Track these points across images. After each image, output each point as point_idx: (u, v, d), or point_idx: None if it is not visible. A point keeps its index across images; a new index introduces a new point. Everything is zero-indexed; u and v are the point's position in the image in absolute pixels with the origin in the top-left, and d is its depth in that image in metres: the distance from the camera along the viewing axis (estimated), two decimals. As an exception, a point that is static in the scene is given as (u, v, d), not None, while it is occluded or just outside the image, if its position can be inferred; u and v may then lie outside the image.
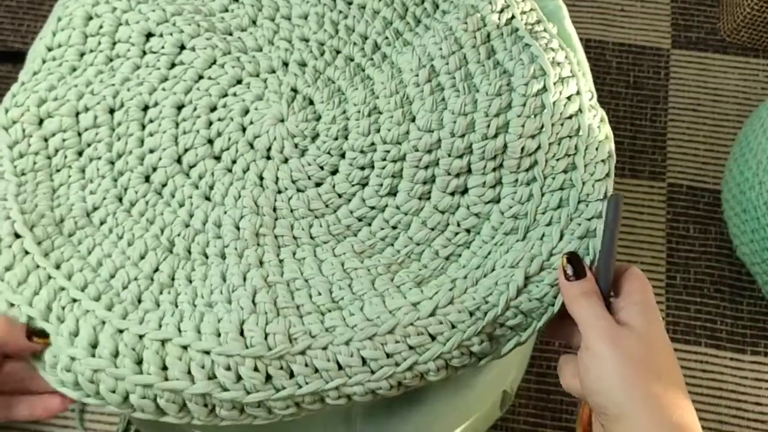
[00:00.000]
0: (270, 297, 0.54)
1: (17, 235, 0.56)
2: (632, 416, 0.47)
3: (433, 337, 0.53)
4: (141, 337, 0.52)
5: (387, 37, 0.65)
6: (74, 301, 0.54)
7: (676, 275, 1.20)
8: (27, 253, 0.55)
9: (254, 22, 0.66)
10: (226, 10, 0.67)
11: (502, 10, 0.61)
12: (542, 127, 0.57)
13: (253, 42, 0.65)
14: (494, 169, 0.58)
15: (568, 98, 0.58)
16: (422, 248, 0.59)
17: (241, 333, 0.52)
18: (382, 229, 0.59)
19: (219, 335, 0.52)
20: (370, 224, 0.60)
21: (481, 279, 0.55)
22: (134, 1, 0.65)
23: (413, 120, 0.59)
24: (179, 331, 0.52)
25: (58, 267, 0.55)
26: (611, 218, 0.54)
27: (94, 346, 0.52)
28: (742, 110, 1.31)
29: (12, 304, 0.53)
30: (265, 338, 0.52)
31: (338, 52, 0.65)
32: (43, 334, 0.52)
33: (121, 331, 0.52)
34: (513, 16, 0.61)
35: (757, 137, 1.06)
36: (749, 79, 1.33)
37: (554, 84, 0.58)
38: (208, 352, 0.51)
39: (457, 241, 0.58)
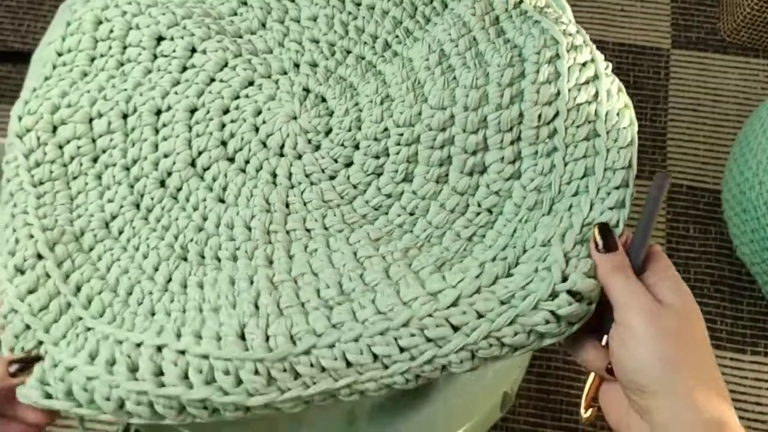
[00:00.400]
0: (273, 298, 0.52)
1: (40, 256, 0.56)
2: (671, 392, 0.46)
3: (455, 328, 0.49)
4: (138, 345, 0.51)
5: (397, 36, 0.64)
6: (88, 329, 0.53)
7: (676, 275, 1.20)
8: (48, 276, 0.55)
9: (264, 25, 0.66)
10: (235, 14, 0.66)
11: None
12: (558, 93, 0.55)
13: (263, 44, 0.64)
14: (512, 142, 0.56)
15: (583, 65, 0.56)
16: (442, 231, 0.56)
17: (242, 336, 0.50)
18: (399, 215, 0.57)
19: (219, 339, 0.50)
20: (386, 213, 0.58)
21: (514, 265, 0.52)
22: (144, 4, 0.64)
23: (425, 101, 0.58)
24: (177, 336, 0.51)
25: (78, 290, 0.55)
26: (655, 195, 0.51)
27: (93, 356, 0.51)
28: (742, 110, 1.32)
29: (28, 326, 0.53)
30: (266, 340, 0.49)
31: (349, 51, 0.64)
32: (26, 367, 0.52)
33: (120, 342, 0.51)
34: (521, 0, 0.60)
35: (757, 137, 1.07)
36: (749, 79, 1.34)
37: (567, 51, 0.55)
38: (206, 357, 0.49)
39: (478, 222, 0.56)
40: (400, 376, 0.49)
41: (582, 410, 0.55)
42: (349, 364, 0.49)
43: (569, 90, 0.55)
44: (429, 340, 0.49)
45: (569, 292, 0.49)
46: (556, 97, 0.55)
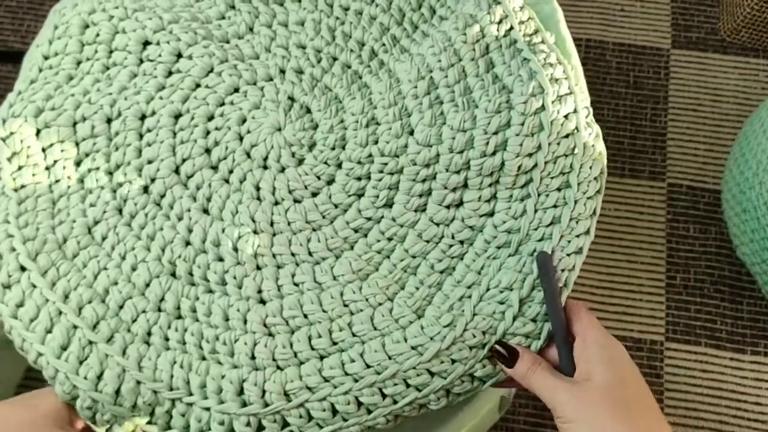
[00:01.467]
0: (269, 349, 0.55)
1: (23, 268, 0.57)
2: None
3: (433, 374, 0.54)
4: (156, 392, 0.55)
5: (384, 44, 0.64)
6: (91, 343, 0.56)
7: (676, 275, 1.20)
8: (35, 286, 0.57)
9: (251, 29, 0.65)
10: (223, 18, 0.66)
11: (500, 21, 0.61)
12: (539, 146, 0.57)
13: (250, 50, 0.64)
14: (490, 185, 0.58)
15: (566, 117, 0.58)
16: (418, 261, 0.58)
17: (241, 391, 0.54)
18: (378, 241, 0.59)
19: (220, 392, 0.54)
20: (366, 235, 0.59)
21: (478, 305, 0.56)
22: (131, 9, 0.64)
23: (411, 133, 0.59)
24: (188, 385, 0.55)
25: (66, 297, 0.57)
26: (543, 272, 0.55)
27: (118, 392, 0.55)
28: (742, 110, 1.31)
29: (24, 340, 0.56)
30: (262, 396, 0.54)
31: (335, 59, 0.64)
32: None
33: (139, 383, 0.55)
34: (511, 27, 0.61)
35: (757, 137, 1.06)
36: (749, 79, 1.33)
37: (552, 103, 0.58)
38: (208, 409, 0.54)
39: (451, 253, 0.58)
40: (382, 418, 0.54)
41: None
42: (335, 413, 0.53)
43: (549, 144, 0.57)
44: (410, 386, 0.54)
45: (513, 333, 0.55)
46: (537, 149, 0.58)
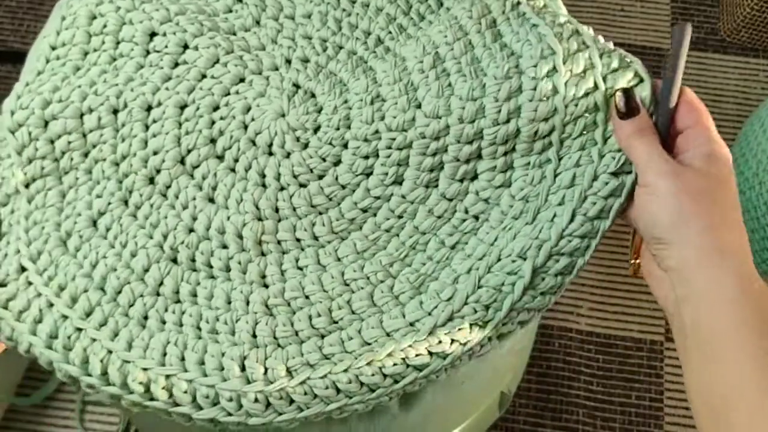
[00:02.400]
0: (270, 327, 0.56)
1: (23, 269, 0.58)
2: (683, 241, 0.48)
3: (433, 354, 0.54)
4: (146, 369, 0.55)
5: (390, 32, 0.64)
6: (78, 330, 0.56)
7: (676, 275, 1.20)
8: (30, 283, 0.58)
9: (258, 22, 0.65)
10: (230, 11, 0.66)
11: None
12: (555, 109, 0.54)
13: (256, 41, 0.64)
14: (506, 153, 0.56)
15: (582, 75, 0.55)
16: (427, 237, 0.57)
17: (243, 368, 0.54)
18: (388, 219, 0.58)
19: (222, 369, 0.54)
20: (375, 215, 0.58)
21: (484, 276, 0.54)
22: (138, 0, 0.64)
23: (419, 106, 0.57)
24: (182, 361, 0.55)
25: (61, 290, 0.57)
26: (676, 47, 0.50)
27: (105, 373, 0.55)
28: (742, 110, 1.31)
29: (14, 330, 0.56)
30: (265, 373, 0.54)
31: (341, 47, 0.64)
32: None
33: (127, 362, 0.55)
34: (519, 2, 0.59)
35: (757, 137, 1.07)
36: (749, 79, 1.33)
37: (564, 63, 0.54)
38: (212, 386, 0.54)
39: (463, 229, 0.57)
40: (386, 396, 0.54)
41: (629, 263, 0.60)
42: (339, 391, 0.54)
43: (566, 106, 0.54)
44: (409, 365, 0.54)
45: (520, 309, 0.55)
46: (553, 113, 0.55)
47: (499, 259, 0.55)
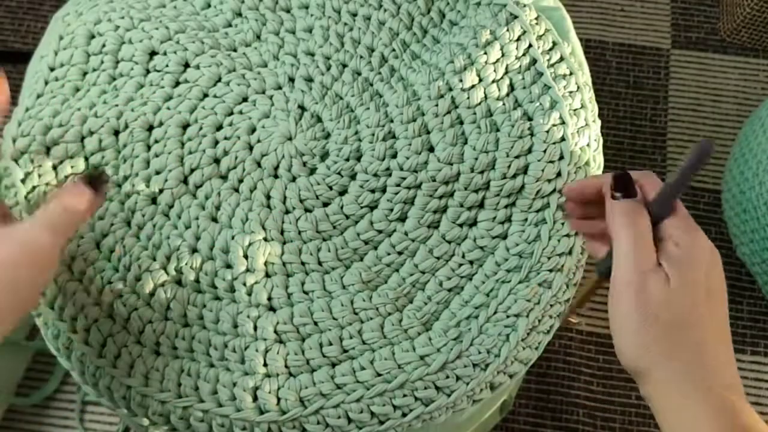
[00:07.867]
0: (281, 356, 0.56)
1: None
2: (651, 380, 0.48)
3: (439, 389, 0.55)
4: (163, 403, 0.56)
5: (394, 49, 0.63)
6: (98, 368, 0.57)
7: (676, 275, 1.20)
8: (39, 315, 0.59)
9: (258, 37, 0.65)
10: (230, 26, 0.65)
11: (519, 38, 0.61)
12: (559, 172, 0.58)
13: (258, 58, 0.64)
14: (506, 206, 0.59)
15: (584, 147, 0.60)
16: (427, 278, 0.59)
17: (255, 398, 0.55)
18: (389, 254, 0.59)
19: (234, 399, 0.55)
20: (376, 248, 0.59)
21: (485, 325, 0.57)
22: (137, 19, 0.64)
23: (431, 150, 0.59)
24: (197, 391, 0.56)
25: (74, 320, 0.57)
26: (694, 160, 0.48)
27: (129, 408, 0.56)
28: (742, 110, 1.31)
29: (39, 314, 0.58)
30: (278, 403, 0.55)
31: (345, 65, 0.63)
32: (101, 179, 0.52)
33: (145, 396, 0.56)
34: (530, 45, 0.61)
35: (757, 137, 1.06)
36: (749, 79, 1.33)
37: (571, 135, 0.59)
38: (227, 416, 0.55)
39: (460, 273, 0.59)
40: (392, 429, 0.55)
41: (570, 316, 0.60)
42: (350, 421, 0.54)
43: (569, 173, 0.58)
44: (417, 399, 0.55)
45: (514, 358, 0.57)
46: (556, 176, 0.58)
47: (495, 312, 0.57)
